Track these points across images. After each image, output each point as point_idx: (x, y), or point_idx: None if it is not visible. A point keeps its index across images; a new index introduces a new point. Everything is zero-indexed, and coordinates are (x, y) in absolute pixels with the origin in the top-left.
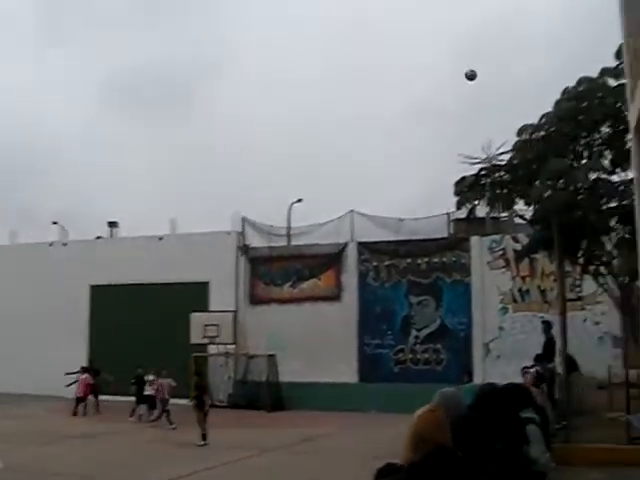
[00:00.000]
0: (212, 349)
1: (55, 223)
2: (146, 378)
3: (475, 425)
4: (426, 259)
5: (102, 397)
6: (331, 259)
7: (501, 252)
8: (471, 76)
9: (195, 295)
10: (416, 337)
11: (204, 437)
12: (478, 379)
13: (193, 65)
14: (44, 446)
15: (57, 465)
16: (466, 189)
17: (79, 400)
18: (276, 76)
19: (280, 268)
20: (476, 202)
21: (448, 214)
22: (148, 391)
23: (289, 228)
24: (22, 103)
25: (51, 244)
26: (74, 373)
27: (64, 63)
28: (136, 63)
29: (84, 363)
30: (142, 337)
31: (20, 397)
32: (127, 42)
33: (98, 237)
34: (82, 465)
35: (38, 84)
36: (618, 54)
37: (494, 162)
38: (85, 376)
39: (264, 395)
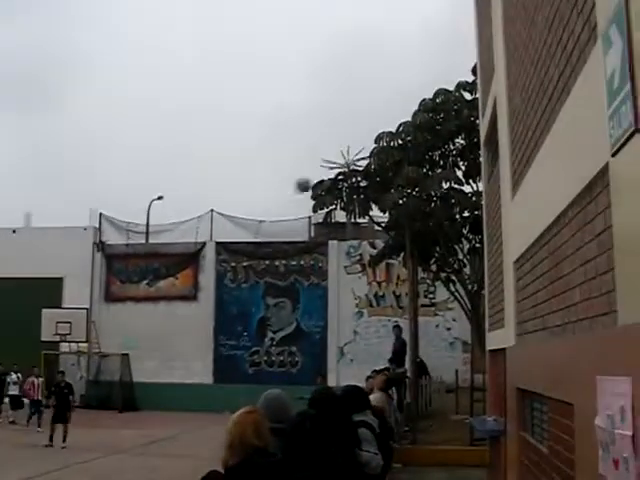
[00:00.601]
0: (64, 347)
1: None
2: (10, 378)
3: (306, 426)
4: (284, 261)
5: None
6: (189, 258)
7: (358, 257)
8: (304, 187)
9: (49, 291)
10: (272, 339)
11: (51, 438)
12: (332, 382)
13: (49, 56)
14: None
15: None
16: (323, 193)
17: None
18: (136, 67)
19: (137, 266)
20: (332, 206)
21: (310, 218)
22: (13, 390)
23: (148, 225)
24: None
25: None
26: None
27: None
28: None
29: None
30: None
31: None
32: None
33: None
34: None
35: None
36: (474, 70)
37: (352, 167)
38: None
39: (117, 395)
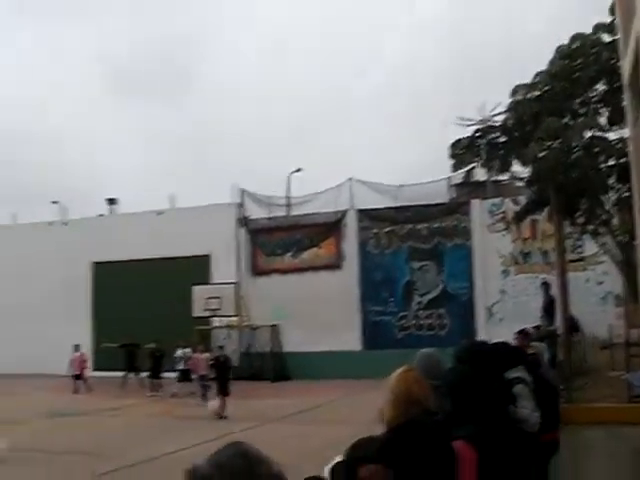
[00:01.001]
0: (215, 322)
1: (55, 203)
2: (178, 353)
3: (461, 384)
4: (426, 224)
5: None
6: (331, 227)
7: (501, 215)
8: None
9: (196, 268)
10: (419, 303)
11: (222, 409)
12: None
13: (186, 43)
14: (46, 424)
15: (60, 443)
16: (461, 151)
17: (77, 377)
18: (270, 48)
19: (280, 238)
20: (472, 164)
21: (448, 179)
22: (180, 365)
23: (288, 198)
24: (23, 84)
25: (51, 223)
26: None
27: (62, 44)
28: (130, 44)
29: (88, 340)
30: (145, 312)
31: (23, 377)
32: (118, 25)
33: (100, 215)
34: (85, 441)
35: (37, 65)
36: (612, 10)
37: (489, 123)
38: (80, 354)
39: (268, 366)
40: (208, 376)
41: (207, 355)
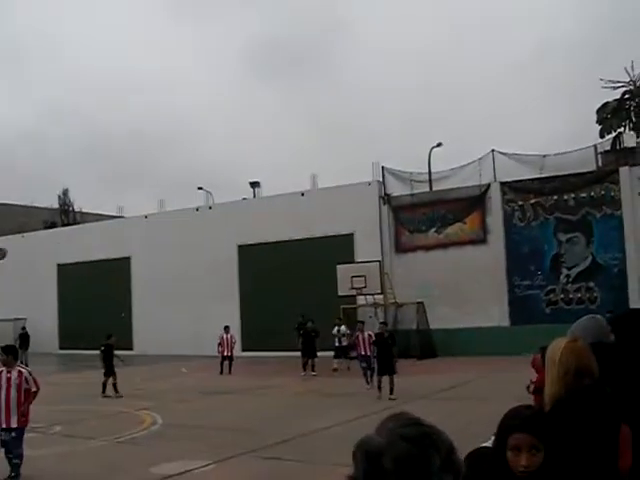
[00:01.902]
0: (360, 300)
1: (200, 189)
2: (335, 330)
3: (622, 355)
4: (573, 195)
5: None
6: (474, 201)
7: None
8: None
9: (340, 247)
10: (567, 276)
11: (379, 388)
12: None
13: (321, 28)
14: (199, 402)
15: (213, 420)
16: (609, 115)
17: (226, 358)
18: (401, 28)
19: (423, 214)
20: (620, 128)
21: (595, 146)
22: (340, 342)
23: (430, 173)
24: (165, 73)
25: (197, 209)
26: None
27: (202, 36)
28: (268, 32)
29: (237, 321)
30: (290, 292)
31: (178, 357)
32: (255, 12)
33: (244, 198)
34: (238, 419)
35: (179, 58)
36: None
37: (639, 84)
38: (230, 335)
39: (414, 343)
40: (370, 356)
41: (367, 334)
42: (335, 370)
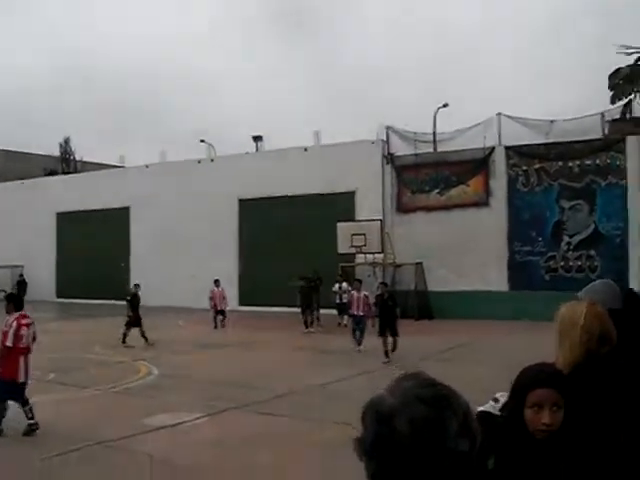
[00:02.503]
0: (359, 258)
1: (202, 141)
2: (336, 287)
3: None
4: (578, 162)
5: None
6: (478, 164)
7: None
8: None
9: (341, 205)
10: (568, 244)
11: (386, 353)
12: (635, 287)
13: None
14: (195, 355)
15: (208, 373)
16: (621, 81)
17: (218, 312)
18: None
19: (427, 175)
20: (632, 95)
21: (602, 114)
22: (339, 299)
23: (435, 134)
24: (174, 27)
25: (199, 161)
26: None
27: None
28: None
29: (235, 275)
30: (289, 248)
31: (176, 309)
32: None
33: (246, 152)
34: (233, 373)
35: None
36: None
37: None
38: (220, 289)
39: (412, 304)
40: (363, 316)
41: (364, 293)
42: (340, 325)
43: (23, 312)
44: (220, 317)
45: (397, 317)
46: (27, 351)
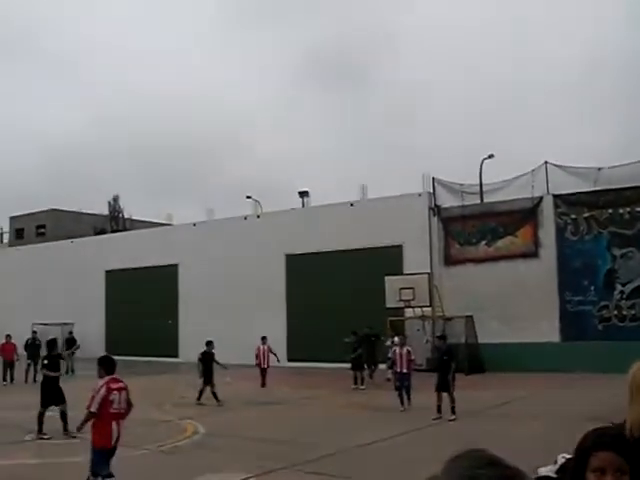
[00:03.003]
0: (408, 312)
1: (249, 197)
2: (392, 342)
3: None
4: (628, 208)
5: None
6: (526, 214)
7: None
8: None
9: (389, 259)
10: (621, 292)
11: (439, 408)
12: None
13: (368, 39)
14: (242, 412)
15: (256, 430)
16: None
17: (264, 368)
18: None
19: (474, 227)
20: None
21: None
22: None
23: (481, 185)
24: (216, 84)
25: (246, 217)
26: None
27: (250, 49)
28: (315, 43)
29: (284, 331)
30: (337, 303)
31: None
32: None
33: (292, 209)
34: (281, 431)
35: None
36: None
37: None
38: (267, 346)
39: (462, 357)
40: (407, 373)
41: (407, 349)
42: (389, 380)
43: (115, 376)
44: (265, 373)
45: (452, 372)
46: (119, 417)
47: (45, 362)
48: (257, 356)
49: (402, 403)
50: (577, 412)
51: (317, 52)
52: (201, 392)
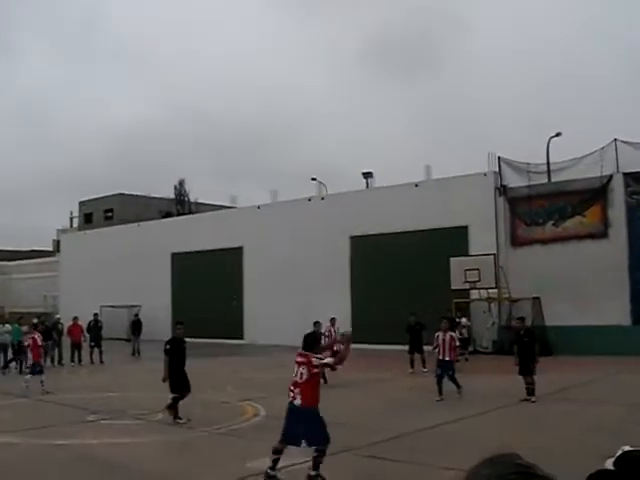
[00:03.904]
0: (474, 294)
1: (314, 179)
2: (459, 323)
3: None
4: None
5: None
6: (595, 194)
7: None
8: None
9: (454, 240)
10: None
11: (531, 391)
12: None
13: (440, 20)
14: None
15: (321, 413)
16: None
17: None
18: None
19: (541, 207)
20: None
21: None
22: (464, 334)
23: (548, 164)
24: (283, 71)
25: (310, 199)
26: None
27: (315, 35)
28: (384, 25)
29: (348, 313)
30: (402, 285)
31: (287, 348)
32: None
33: (357, 190)
34: (340, 414)
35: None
36: None
37: None
38: (337, 327)
39: None
40: (450, 361)
41: (451, 334)
42: (467, 360)
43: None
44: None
45: (536, 354)
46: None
47: (167, 347)
48: (327, 337)
49: (440, 392)
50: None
51: (381, 35)
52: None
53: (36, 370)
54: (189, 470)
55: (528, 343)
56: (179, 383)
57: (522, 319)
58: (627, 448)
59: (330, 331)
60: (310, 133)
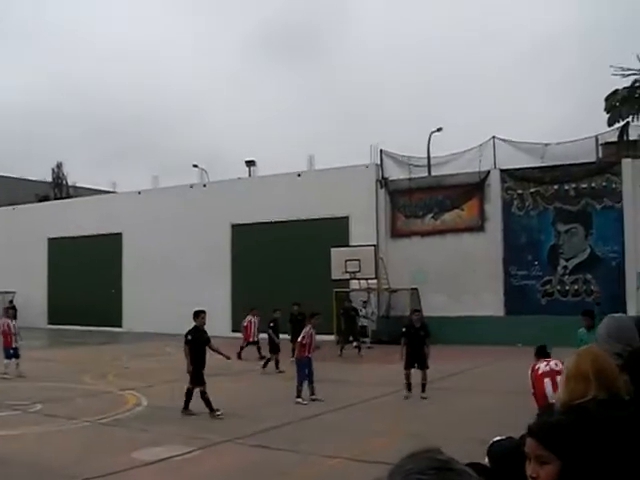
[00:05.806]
0: (354, 284)
1: (195, 166)
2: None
3: None
4: (574, 185)
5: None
6: (473, 188)
7: None
8: None
9: (335, 230)
10: (564, 267)
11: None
12: (632, 311)
13: (322, 9)
14: (185, 383)
15: (199, 402)
16: (618, 103)
17: (251, 344)
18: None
19: (421, 200)
20: (629, 117)
21: (597, 137)
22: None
23: (429, 158)
24: (166, 56)
25: (192, 186)
26: None
27: (201, 22)
28: (268, 14)
29: (228, 301)
30: (283, 274)
31: (165, 336)
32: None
33: (239, 178)
34: (225, 402)
35: (180, 43)
36: None
37: None
38: (257, 319)
39: None
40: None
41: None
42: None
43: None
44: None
45: (427, 348)
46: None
47: (189, 337)
48: (247, 328)
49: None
50: (522, 385)
51: (266, 24)
52: (268, 361)
53: None
54: (76, 461)
55: (423, 337)
56: (201, 375)
57: (418, 311)
58: (497, 438)
59: (250, 322)
60: (198, 120)
